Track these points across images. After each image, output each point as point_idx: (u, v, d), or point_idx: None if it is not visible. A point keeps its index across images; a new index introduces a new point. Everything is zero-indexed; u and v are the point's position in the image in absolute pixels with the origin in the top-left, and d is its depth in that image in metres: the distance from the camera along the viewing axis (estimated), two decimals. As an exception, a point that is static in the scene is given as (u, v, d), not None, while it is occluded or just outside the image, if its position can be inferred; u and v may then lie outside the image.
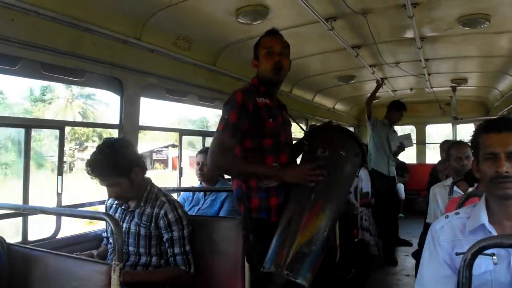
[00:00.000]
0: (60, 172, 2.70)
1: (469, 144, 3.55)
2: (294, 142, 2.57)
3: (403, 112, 5.89)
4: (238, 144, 2.23)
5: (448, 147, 3.80)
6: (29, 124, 2.52)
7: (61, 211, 2.30)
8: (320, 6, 3.27)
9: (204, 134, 4.34)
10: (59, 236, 2.70)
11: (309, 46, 4.35)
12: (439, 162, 4.67)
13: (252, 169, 2.23)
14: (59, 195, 2.66)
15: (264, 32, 2.43)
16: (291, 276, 1.91)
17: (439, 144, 5.40)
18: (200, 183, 3.41)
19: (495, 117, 1.59)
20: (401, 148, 6.10)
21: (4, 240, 1.92)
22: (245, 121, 2.20)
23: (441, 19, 3.73)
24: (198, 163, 3.33)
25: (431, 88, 6.81)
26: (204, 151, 3.23)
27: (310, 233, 2.01)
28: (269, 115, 2.28)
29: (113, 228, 1.54)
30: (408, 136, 6.41)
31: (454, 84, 6.58)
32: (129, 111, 3.08)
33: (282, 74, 2.37)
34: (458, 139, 7.24)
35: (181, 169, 3.90)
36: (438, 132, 13.06)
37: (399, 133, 6.38)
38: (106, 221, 1.64)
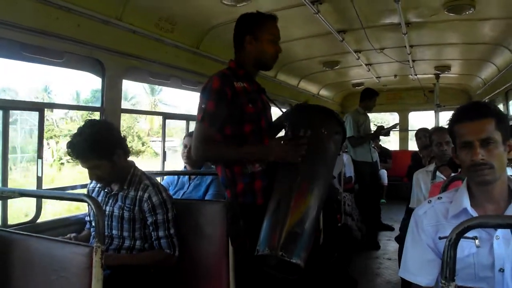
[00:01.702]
0: (40, 155, 2.64)
1: None
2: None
3: (376, 98, 6.03)
4: (217, 132, 2.19)
5: (429, 133, 3.84)
6: (6, 106, 2.45)
7: (41, 193, 2.26)
8: (306, -12, 3.23)
9: (188, 118, 4.29)
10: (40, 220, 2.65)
11: (294, 30, 4.31)
12: (422, 148, 4.72)
13: (236, 153, 2.19)
14: (39, 178, 2.60)
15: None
16: (286, 257, 1.90)
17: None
18: (185, 166, 3.39)
19: (467, 103, 1.61)
20: (386, 134, 6.18)
21: (-18, 224, 1.88)
22: (223, 108, 2.16)
23: (427, 4, 3.73)
24: (185, 146, 3.31)
25: (415, 75, 6.84)
26: (191, 134, 3.18)
27: (300, 213, 2.01)
28: (248, 100, 2.24)
29: (94, 210, 1.52)
30: (396, 126, 6.57)
31: (437, 72, 6.63)
32: (111, 94, 3.01)
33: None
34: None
35: (164, 153, 3.86)
36: (423, 121, 13.19)
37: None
38: (88, 203, 1.61)
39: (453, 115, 1.57)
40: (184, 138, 3.34)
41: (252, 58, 2.34)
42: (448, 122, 1.60)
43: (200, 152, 2.17)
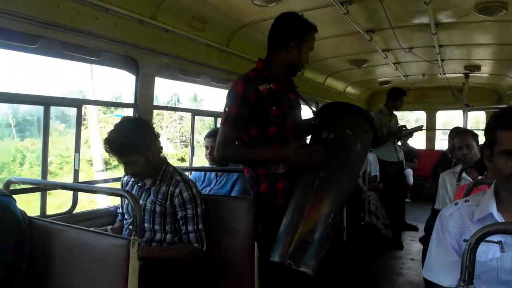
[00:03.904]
0: (77, 149, 2.76)
1: (472, 132, 3.58)
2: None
3: (403, 98, 5.92)
4: (241, 134, 2.28)
5: (452, 136, 3.81)
6: (47, 102, 2.58)
7: (81, 187, 2.37)
8: (336, -11, 3.25)
9: (216, 115, 4.37)
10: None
11: (322, 30, 4.23)
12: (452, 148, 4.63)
13: (256, 156, 2.29)
14: (76, 171, 2.72)
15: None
16: (293, 265, 1.97)
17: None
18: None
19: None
20: (409, 134, 6.14)
21: (26, 214, 2.00)
22: (246, 112, 2.22)
23: (457, 6, 3.69)
24: (206, 147, 3.36)
25: (444, 74, 6.75)
26: (212, 134, 3.25)
27: (313, 221, 2.05)
28: (272, 103, 2.27)
29: (132, 205, 1.61)
30: (420, 128, 6.49)
31: (467, 71, 6.52)
32: (144, 91, 3.11)
33: None
34: (469, 126, 7.24)
35: (193, 148, 3.95)
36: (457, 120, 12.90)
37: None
38: (126, 198, 1.70)
39: (497, 118, 1.52)
40: (205, 139, 3.39)
41: (286, 62, 2.39)
42: (489, 123, 1.56)
43: (222, 153, 2.26)
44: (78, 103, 2.76)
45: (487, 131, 1.56)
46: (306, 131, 2.56)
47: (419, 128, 6.56)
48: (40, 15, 2.32)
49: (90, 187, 2.23)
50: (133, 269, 1.57)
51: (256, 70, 2.38)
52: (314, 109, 2.61)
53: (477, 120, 14.21)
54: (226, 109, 2.25)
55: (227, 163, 3.34)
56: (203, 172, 3.41)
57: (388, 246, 5.39)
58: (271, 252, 2.07)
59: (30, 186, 2.44)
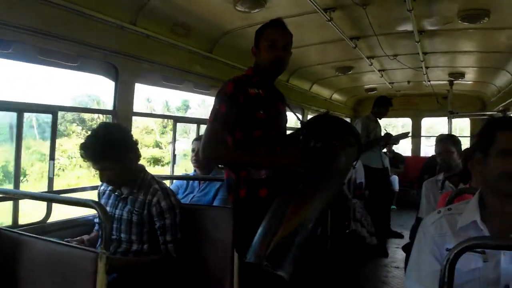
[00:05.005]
0: (52, 157, 2.69)
1: (454, 138, 3.59)
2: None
3: (389, 107, 5.92)
4: (228, 135, 2.23)
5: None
6: (21, 108, 2.51)
7: (49, 197, 2.31)
8: (319, -3, 3.24)
9: (199, 121, 4.33)
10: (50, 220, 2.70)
11: (307, 36, 4.32)
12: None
13: (244, 156, 2.22)
14: (50, 179, 2.65)
15: (264, 20, 2.39)
16: (270, 267, 1.89)
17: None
18: (195, 170, 3.41)
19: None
20: (396, 140, 6.15)
21: (-6, 224, 1.93)
22: (235, 112, 2.20)
23: (441, 13, 3.71)
24: (193, 150, 3.32)
25: (429, 81, 6.80)
26: (199, 138, 3.21)
27: (295, 224, 1.98)
28: (260, 107, 2.26)
29: (101, 217, 1.55)
30: (406, 134, 6.51)
31: (451, 78, 6.57)
32: (123, 97, 3.06)
33: (283, 68, 2.36)
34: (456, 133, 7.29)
35: (174, 156, 3.90)
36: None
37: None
38: (95, 209, 1.64)
39: (497, 121, 1.55)
40: (192, 143, 3.36)
41: (260, 67, 2.37)
42: (485, 127, 1.56)
43: (209, 151, 2.19)
44: (53, 110, 2.70)
45: (482, 134, 1.56)
46: (291, 140, 2.53)
47: (405, 135, 6.58)
48: (14, 20, 2.26)
49: (58, 198, 2.16)
50: (101, 284, 1.50)
51: (246, 76, 2.38)
52: (301, 118, 2.59)
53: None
54: (216, 107, 2.21)
55: (213, 167, 3.29)
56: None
57: (373, 253, 5.36)
58: (246, 253, 2.00)
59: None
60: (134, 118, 3.22)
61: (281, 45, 2.30)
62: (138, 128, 18.23)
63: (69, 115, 16.61)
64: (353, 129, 2.45)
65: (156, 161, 17.60)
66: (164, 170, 14.48)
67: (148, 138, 19.03)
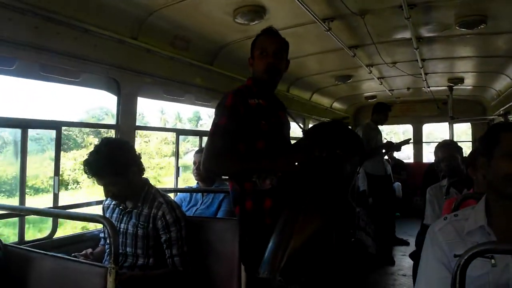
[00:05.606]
0: (56, 173, 2.70)
1: (456, 145, 3.60)
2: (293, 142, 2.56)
3: (388, 113, 5.92)
4: (229, 147, 2.18)
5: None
6: (25, 124, 2.52)
7: (56, 213, 2.30)
8: (317, 7, 3.26)
9: (201, 134, 4.34)
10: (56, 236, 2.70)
11: (306, 46, 4.35)
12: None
13: (244, 164, 2.19)
14: (55, 195, 2.65)
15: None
16: (284, 282, 1.90)
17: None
18: (197, 182, 3.41)
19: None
20: (398, 147, 6.14)
21: (1, 241, 1.93)
22: (236, 124, 2.17)
23: (438, 20, 3.73)
24: (195, 163, 3.33)
25: (428, 87, 6.82)
26: (201, 151, 3.21)
27: (305, 236, 1.98)
28: (262, 117, 2.24)
29: (109, 231, 1.55)
30: (408, 141, 6.50)
31: (450, 84, 6.59)
32: (126, 111, 3.08)
33: (275, 75, 2.33)
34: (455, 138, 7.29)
35: (178, 169, 3.90)
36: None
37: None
38: (103, 224, 1.64)
39: (501, 124, 1.56)
40: (194, 155, 3.37)
41: (256, 77, 2.36)
42: (490, 129, 1.57)
43: (210, 164, 2.16)
44: (57, 125, 2.71)
45: (486, 137, 1.56)
46: (294, 149, 2.50)
47: (406, 142, 6.56)
48: (17, 37, 2.28)
49: (66, 213, 2.16)
50: (111, 298, 1.50)
51: (246, 86, 2.37)
52: (302, 127, 2.58)
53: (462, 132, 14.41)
54: (216, 121, 2.20)
55: (215, 177, 3.29)
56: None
57: (379, 262, 5.33)
58: (259, 268, 2.00)
59: (5, 212, 2.36)
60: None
61: (271, 51, 2.28)
62: (158, 139, 19.38)
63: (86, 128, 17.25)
64: (357, 137, 2.45)
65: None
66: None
67: (166, 148, 19.94)
